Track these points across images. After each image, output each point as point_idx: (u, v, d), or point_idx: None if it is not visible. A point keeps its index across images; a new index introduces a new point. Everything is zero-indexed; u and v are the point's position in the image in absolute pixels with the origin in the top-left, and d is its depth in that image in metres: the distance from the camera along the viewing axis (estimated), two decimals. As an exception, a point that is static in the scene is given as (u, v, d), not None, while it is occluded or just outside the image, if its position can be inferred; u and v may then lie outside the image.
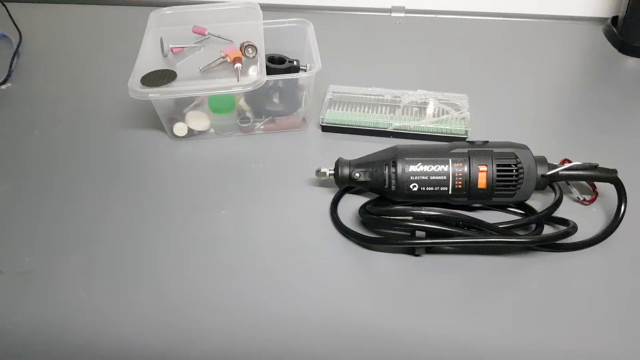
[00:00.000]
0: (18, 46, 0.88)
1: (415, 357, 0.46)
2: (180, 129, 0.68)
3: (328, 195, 0.60)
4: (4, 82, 0.80)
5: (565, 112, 0.73)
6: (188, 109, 0.68)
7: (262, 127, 0.69)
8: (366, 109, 0.69)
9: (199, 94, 0.63)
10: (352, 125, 0.67)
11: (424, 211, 0.51)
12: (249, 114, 0.69)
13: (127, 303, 0.50)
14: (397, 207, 0.53)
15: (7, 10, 0.94)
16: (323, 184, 0.62)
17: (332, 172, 0.59)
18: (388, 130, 0.66)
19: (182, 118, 0.67)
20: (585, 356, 0.45)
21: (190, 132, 0.68)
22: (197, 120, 0.68)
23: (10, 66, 0.83)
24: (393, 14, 0.93)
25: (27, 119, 0.73)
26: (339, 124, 0.68)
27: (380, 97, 0.71)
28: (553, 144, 0.65)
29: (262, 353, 0.46)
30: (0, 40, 0.91)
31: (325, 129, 0.69)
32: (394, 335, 0.47)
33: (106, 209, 0.59)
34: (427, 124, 0.66)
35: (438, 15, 0.93)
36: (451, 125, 0.66)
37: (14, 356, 0.46)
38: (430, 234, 0.51)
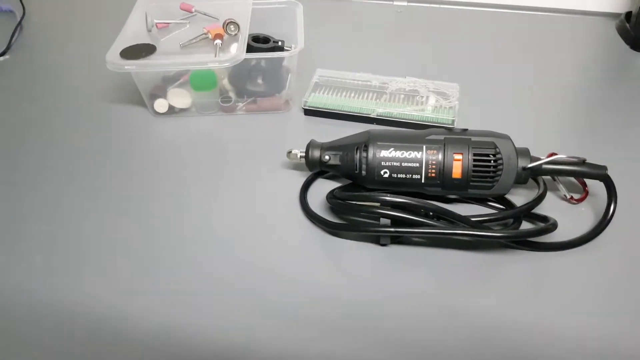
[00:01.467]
0: (21, 20, 0.88)
1: (373, 347, 0.43)
2: (160, 105, 0.66)
3: (301, 179, 0.58)
4: (2, 54, 0.81)
5: (568, 109, 0.69)
6: (172, 86, 0.67)
7: (244, 107, 0.67)
8: (352, 95, 0.67)
9: (174, 68, 0.62)
10: (335, 110, 0.65)
11: (389, 197, 0.48)
12: (231, 94, 0.67)
13: (98, 273, 0.49)
14: (364, 192, 0.50)
15: (14, -15, 0.95)
16: (297, 167, 0.60)
17: (303, 154, 0.56)
18: (371, 116, 0.64)
19: (164, 95, 0.66)
20: (550, 361, 0.42)
21: (172, 110, 0.67)
22: (179, 98, 0.66)
23: (10, 39, 0.83)
24: (395, 3, 0.90)
25: (17, 90, 0.73)
26: (322, 108, 0.65)
27: (368, 83, 0.68)
28: (547, 141, 0.60)
29: (222, 337, 0.44)
30: (6, 15, 0.91)
31: (308, 112, 0.66)
32: (355, 326, 0.44)
33: (85, 181, 0.58)
34: (411, 111, 0.63)
35: (442, 6, 0.90)
36: (438, 114, 0.63)
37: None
38: (397, 222, 0.49)
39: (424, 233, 0.48)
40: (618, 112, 0.68)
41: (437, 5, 0.89)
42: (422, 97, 0.65)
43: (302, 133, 0.65)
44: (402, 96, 0.66)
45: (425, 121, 0.62)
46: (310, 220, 0.53)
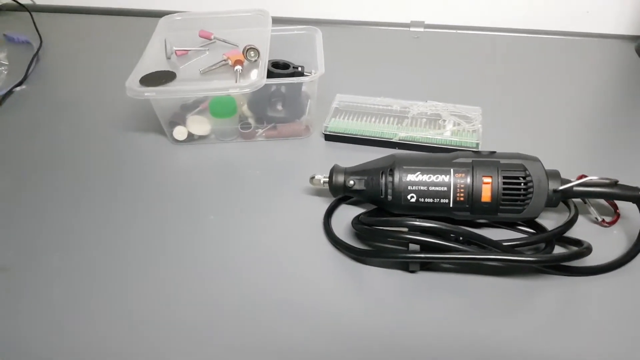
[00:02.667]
0: (38, 51, 0.89)
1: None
2: (180, 132, 0.66)
3: (324, 205, 0.57)
4: (19, 84, 0.81)
5: (593, 130, 0.68)
6: (191, 114, 0.67)
7: (264, 133, 0.67)
8: (373, 119, 0.66)
9: (195, 94, 0.62)
10: (356, 135, 0.64)
11: (418, 222, 0.47)
12: (251, 120, 0.67)
13: (117, 302, 0.48)
14: (391, 217, 0.49)
15: (32, 18, 0.96)
16: (320, 193, 0.58)
17: (327, 179, 0.55)
18: (393, 140, 0.63)
19: (183, 122, 0.66)
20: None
21: (191, 137, 0.66)
22: (198, 125, 0.66)
23: (28, 69, 0.84)
24: (412, 29, 0.90)
25: (35, 120, 0.73)
26: (343, 133, 0.65)
27: (389, 108, 0.68)
28: (574, 162, 0.59)
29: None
30: (23, 45, 0.92)
31: (329, 137, 0.66)
32: (384, 356, 0.43)
33: (102, 210, 0.58)
34: (434, 135, 0.62)
35: (459, 31, 0.90)
36: (461, 137, 0.62)
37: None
38: (426, 247, 0.47)
39: (455, 259, 0.46)
40: (643, 132, 0.67)
41: (454, 31, 0.89)
42: (445, 120, 0.64)
43: (323, 158, 0.64)
44: (424, 120, 0.65)
45: (449, 145, 0.61)
46: (336, 247, 0.52)
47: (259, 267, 0.50)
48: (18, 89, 0.81)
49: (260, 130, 0.66)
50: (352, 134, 0.64)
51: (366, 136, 0.64)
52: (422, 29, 0.90)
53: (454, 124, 0.64)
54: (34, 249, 0.53)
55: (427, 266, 0.49)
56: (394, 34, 0.91)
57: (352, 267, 0.50)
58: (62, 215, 0.57)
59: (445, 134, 0.62)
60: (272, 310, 0.47)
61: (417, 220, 0.47)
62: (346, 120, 0.66)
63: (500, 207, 0.49)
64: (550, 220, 0.54)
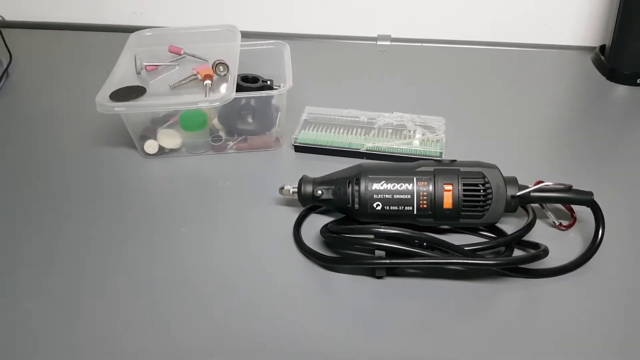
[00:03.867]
0: (7, 66, 0.89)
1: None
2: (150, 146, 0.67)
3: (294, 215, 0.58)
4: (-12, 100, 0.81)
5: (551, 138, 0.71)
6: (162, 127, 0.67)
7: (235, 146, 0.68)
8: (341, 131, 0.68)
9: (165, 109, 0.62)
10: (325, 146, 0.66)
11: (383, 229, 0.49)
12: (221, 133, 0.68)
13: (78, 314, 0.48)
14: (358, 225, 0.51)
15: (1, 34, 0.95)
16: (290, 203, 0.60)
17: (296, 189, 0.57)
18: (361, 151, 0.65)
19: (154, 136, 0.67)
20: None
21: (162, 150, 0.67)
22: (169, 138, 0.67)
23: (-3, 85, 0.84)
24: (379, 42, 0.93)
25: (5, 135, 0.73)
26: (312, 144, 0.66)
27: (356, 119, 0.70)
28: (533, 170, 0.62)
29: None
30: (-8, 62, 0.92)
31: (299, 149, 0.67)
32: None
33: (74, 224, 0.58)
34: (400, 145, 0.64)
35: (424, 44, 0.92)
36: (425, 147, 0.64)
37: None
38: (392, 253, 0.49)
39: (419, 264, 0.48)
40: (599, 139, 0.70)
41: (419, 44, 0.92)
42: (410, 131, 0.67)
43: (293, 169, 0.65)
44: (390, 131, 0.67)
45: (413, 154, 0.63)
46: (305, 255, 0.53)
47: (230, 277, 0.51)
48: (-13, 105, 0.80)
49: (231, 143, 0.68)
50: (321, 145, 0.66)
51: (335, 147, 0.66)
52: (388, 43, 0.92)
53: (419, 134, 0.66)
54: (1, 265, 0.53)
55: (393, 272, 0.51)
56: (361, 47, 0.93)
57: (321, 275, 0.52)
58: (32, 230, 0.57)
59: (411, 144, 0.64)
60: (247, 317, 0.48)
61: (383, 227, 0.49)
62: (315, 132, 0.68)
63: (462, 213, 0.52)
64: (510, 225, 0.56)
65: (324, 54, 0.91)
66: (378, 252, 0.49)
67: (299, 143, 0.67)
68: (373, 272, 0.51)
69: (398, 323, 0.47)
